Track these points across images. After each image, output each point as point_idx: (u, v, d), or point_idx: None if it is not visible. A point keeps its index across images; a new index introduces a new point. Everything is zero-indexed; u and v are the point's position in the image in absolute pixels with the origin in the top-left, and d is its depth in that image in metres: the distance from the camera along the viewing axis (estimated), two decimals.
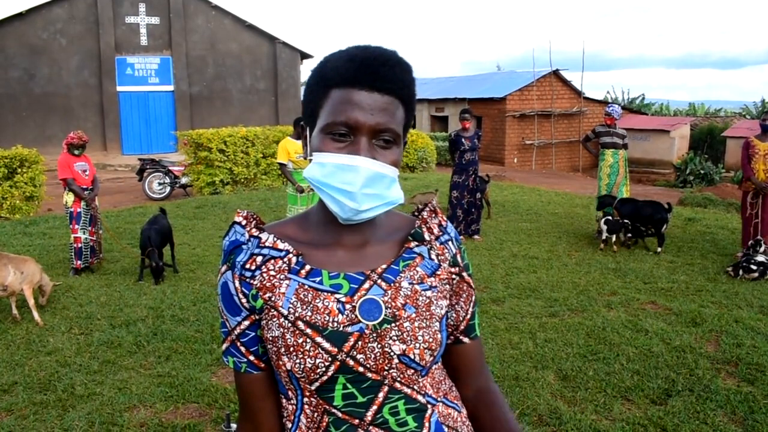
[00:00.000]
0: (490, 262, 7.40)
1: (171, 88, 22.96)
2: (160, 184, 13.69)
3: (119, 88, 22.22)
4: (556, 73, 22.30)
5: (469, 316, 1.24)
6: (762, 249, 6.81)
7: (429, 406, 1.12)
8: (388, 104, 1.06)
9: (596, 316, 5.49)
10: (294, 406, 1.11)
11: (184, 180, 13.88)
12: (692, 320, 5.34)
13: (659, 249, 7.83)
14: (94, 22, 21.56)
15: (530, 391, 4.05)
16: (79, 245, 7.10)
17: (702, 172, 18.06)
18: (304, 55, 24.90)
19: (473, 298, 1.25)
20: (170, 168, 13.79)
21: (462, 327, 1.24)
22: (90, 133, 19.53)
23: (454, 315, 1.22)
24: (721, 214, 10.58)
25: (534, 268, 7.17)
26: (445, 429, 1.14)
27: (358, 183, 1.03)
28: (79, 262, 7.11)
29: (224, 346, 1.16)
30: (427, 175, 16.23)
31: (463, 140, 8.60)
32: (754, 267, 6.53)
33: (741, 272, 6.57)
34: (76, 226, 7.11)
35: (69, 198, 7.12)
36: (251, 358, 1.13)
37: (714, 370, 4.36)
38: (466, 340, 1.25)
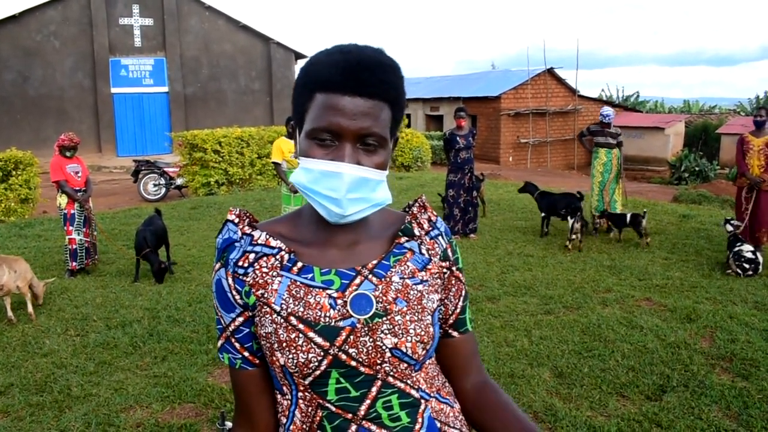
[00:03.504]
0: (485, 260, 7.41)
1: (165, 89, 22.94)
2: (155, 185, 13.67)
3: (113, 90, 22.18)
4: (550, 72, 22.33)
5: (458, 311, 1.25)
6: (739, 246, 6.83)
7: (422, 401, 1.13)
8: (371, 108, 1.05)
9: (591, 313, 5.50)
10: (289, 401, 1.12)
11: (179, 181, 13.87)
12: (687, 316, 5.35)
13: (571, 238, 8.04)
14: (87, 23, 21.51)
15: (526, 388, 4.07)
16: (74, 247, 7.10)
17: (697, 169, 18.09)
18: (299, 56, 24.89)
19: (463, 292, 1.26)
20: (165, 169, 13.78)
21: (451, 321, 1.25)
22: (84, 135, 19.53)
23: (443, 309, 1.23)
24: (715, 211, 10.61)
25: (529, 265, 7.18)
26: (438, 424, 1.15)
27: (343, 189, 1.04)
28: (74, 263, 7.11)
29: (219, 343, 1.18)
30: (423, 174, 16.24)
31: (458, 139, 8.61)
32: (746, 266, 6.55)
33: (740, 271, 6.57)
34: (71, 228, 7.10)
35: (62, 200, 7.11)
36: (246, 354, 1.15)
37: (709, 366, 4.38)
38: (455, 334, 1.25)
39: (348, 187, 1.05)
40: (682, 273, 6.74)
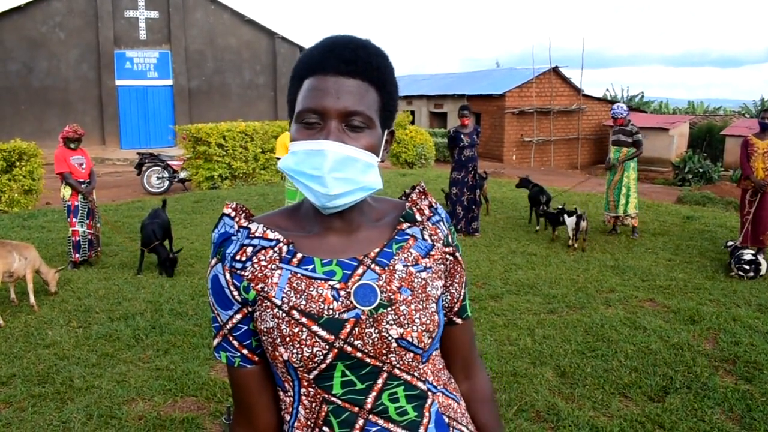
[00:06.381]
0: (488, 259, 7.40)
1: (170, 82, 22.92)
2: (158, 178, 13.68)
3: (118, 82, 22.18)
4: (555, 70, 22.29)
5: (461, 297, 1.24)
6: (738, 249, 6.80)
7: (429, 393, 1.12)
8: (355, 87, 1.06)
9: (594, 313, 5.49)
10: (291, 398, 1.10)
11: (182, 174, 13.88)
12: (690, 318, 5.34)
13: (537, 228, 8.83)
14: (93, 15, 21.50)
15: (528, 388, 4.06)
16: (77, 238, 7.10)
17: (701, 170, 18.05)
18: (303, 50, 24.87)
19: (465, 278, 1.25)
20: (169, 162, 13.79)
21: (456, 308, 1.23)
22: (88, 127, 19.53)
23: (449, 297, 1.21)
24: (719, 213, 10.59)
25: (532, 264, 7.17)
26: (446, 420, 1.14)
27: (326, 167, 1.03)
28: (77, 255, 7.11)
29: (216, 341, 1.14)
30: (426, 172, 16.22)
31: (462, 137, 8.59)
32: (747, 267, 6.53)
33: (741, 273, 6.55)
34: (74, 220, 7.10)
35: (66, 192, 7.11)
36: (245, 351, 1.12)
37: (712, 368, 4.37)
38: (458, 320, 1.25)
39: (332, 165, 1.04)
40: (685, 274, 6.73)
